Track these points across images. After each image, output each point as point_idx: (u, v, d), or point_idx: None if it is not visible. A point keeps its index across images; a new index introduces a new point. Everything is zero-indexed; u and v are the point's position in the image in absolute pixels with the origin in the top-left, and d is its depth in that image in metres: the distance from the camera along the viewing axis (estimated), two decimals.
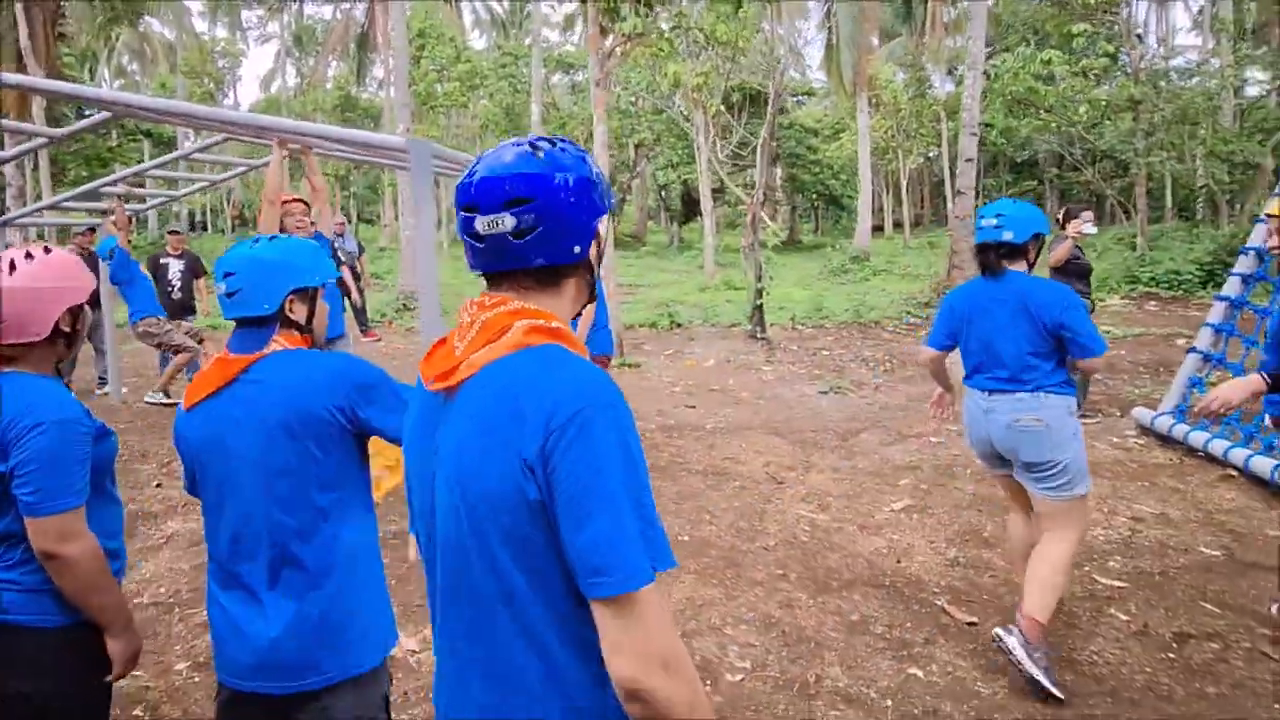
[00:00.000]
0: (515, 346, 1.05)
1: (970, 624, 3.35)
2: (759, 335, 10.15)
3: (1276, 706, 2.74)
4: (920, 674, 2.99)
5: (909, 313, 11.50)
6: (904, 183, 29.02)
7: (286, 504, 1.67)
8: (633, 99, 25.16)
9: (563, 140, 1.14)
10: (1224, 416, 2.56)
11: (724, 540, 4.22)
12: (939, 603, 3.52)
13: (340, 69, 38.44)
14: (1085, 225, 5.92)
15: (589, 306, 1.22)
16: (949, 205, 36.82)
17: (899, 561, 3.95)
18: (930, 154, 36.54)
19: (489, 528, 1.03)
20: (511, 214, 1.06)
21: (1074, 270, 5.91)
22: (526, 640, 1.04)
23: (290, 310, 1.76)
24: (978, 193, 38.49)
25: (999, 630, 2.91)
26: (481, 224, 1.07)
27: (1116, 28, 14.83)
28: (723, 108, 17.58)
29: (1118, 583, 3.65)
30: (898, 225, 32.31)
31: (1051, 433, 2.92)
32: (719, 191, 34.34)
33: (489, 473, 1.02)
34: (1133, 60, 14.06)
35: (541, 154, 1.10)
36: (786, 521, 4.45)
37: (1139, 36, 21.12)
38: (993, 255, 3.05)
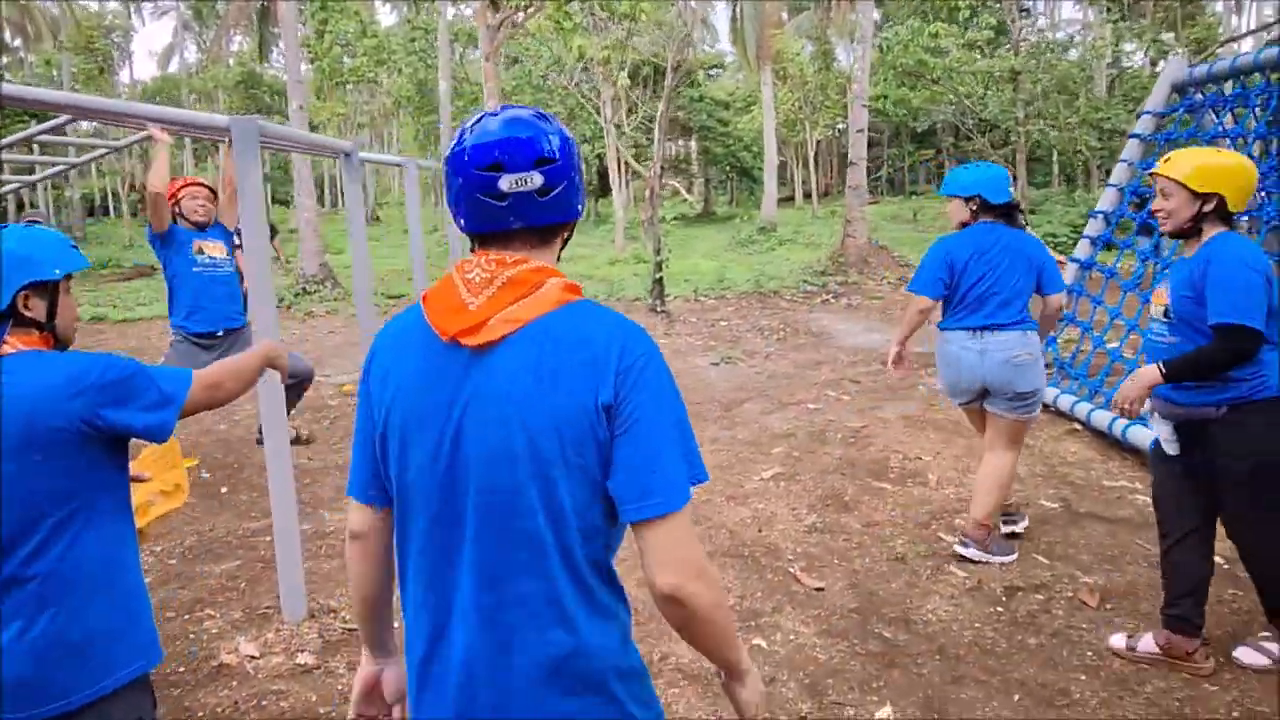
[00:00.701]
0: (559, 303, 1.13)
1: (818, 589, 3.36)
2: (659, 308, 10.12)
3: (1089, 654, 2.83)
4: (764, 644, 2.99)
5: (806, 281, 11.63)
6: (811, 154, 29.30)
7: (14, 519, 1.50)
8: (543, 74, 24.66)
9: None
10: (1137, 414, 2.58)
11: None
12: (792, 570, 3.53)
13: (246, 44, 36.49)
14: None
15: None
16: None
17: (760, 530, 3.95)
18: (838, 126, 37.03)
19: (556, 470, 1.08)
20: (540, 172, 1.12)
21: None
22: (570, 576, 1.12)
23: (25, 307, 1.58)
24: (883, 162, 39.08)
25: (957, 548, 3.55)
26: (507, 182, 1.12)
27: (1001, 2, 15.16)
28: (628, 81, 17.31)
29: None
30: (808, 196, 32.71)
31: (1037, 364, 3.43)
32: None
33: (561, 416, 1.08)
34: (1014, 33, 14.39)
35: (548, 120, 1.17)
36: None
37: (1026, 11, 21.72)
38: (1012, 211, 3.57)
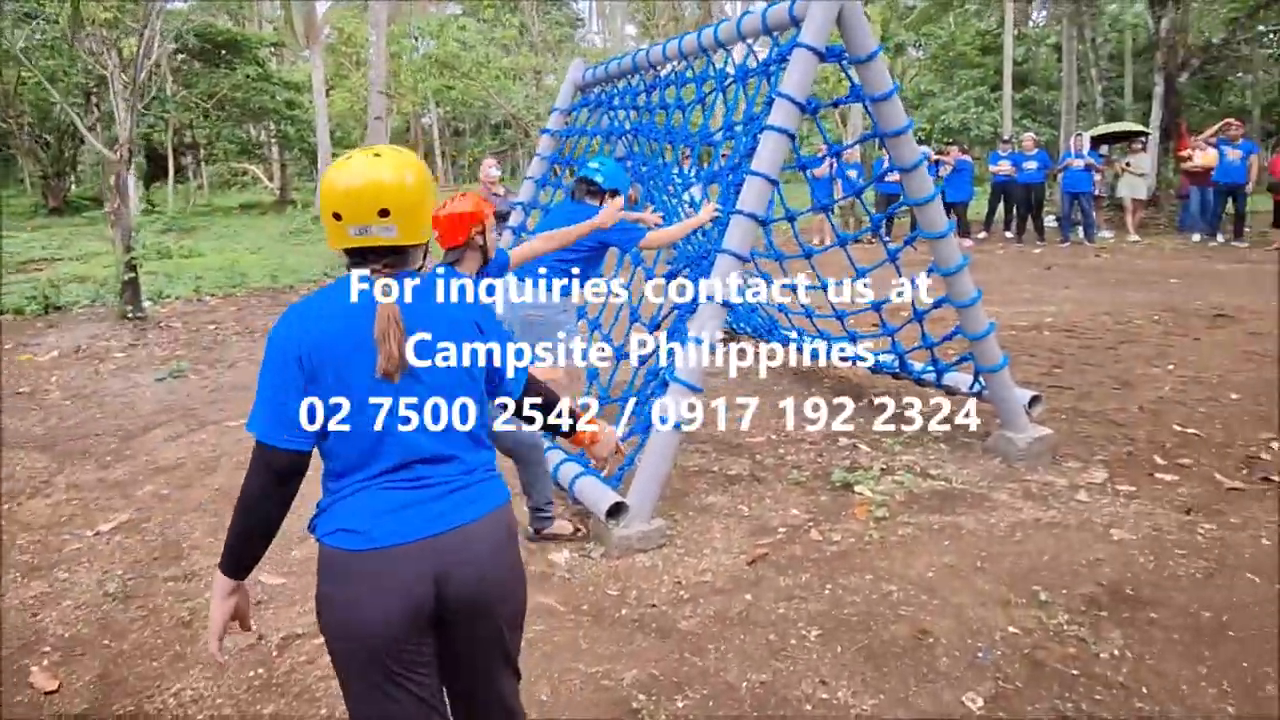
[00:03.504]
0: None
1: (49, 693, 2.51)
2: (131, 315, 8.26)
3: (322, 713, 2.39)
4: None
5: (326, 274, 10.56)
6: (388, 141, 27.75)
7: None
8: (60, 36, 19.52)
9: None
10: None
11: None
12: (34, 669, 2.62)
13: None
14: None
15: None
16: (439, 165, 36.59)
17: (35, 615, 2.96)
18: (424, 119, 35.82)
19: None
20: None
21: None
22: None
23: None
24: (461, 152, 38.52)
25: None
26: None
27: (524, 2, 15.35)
28: (134, 49, 14.20)
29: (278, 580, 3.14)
30: None
31: None
32: (193, 147, 29.20)
33: None
34: (533, 34, 14.68)
35: None
36: None
37: (582, 18, 22.74)
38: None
